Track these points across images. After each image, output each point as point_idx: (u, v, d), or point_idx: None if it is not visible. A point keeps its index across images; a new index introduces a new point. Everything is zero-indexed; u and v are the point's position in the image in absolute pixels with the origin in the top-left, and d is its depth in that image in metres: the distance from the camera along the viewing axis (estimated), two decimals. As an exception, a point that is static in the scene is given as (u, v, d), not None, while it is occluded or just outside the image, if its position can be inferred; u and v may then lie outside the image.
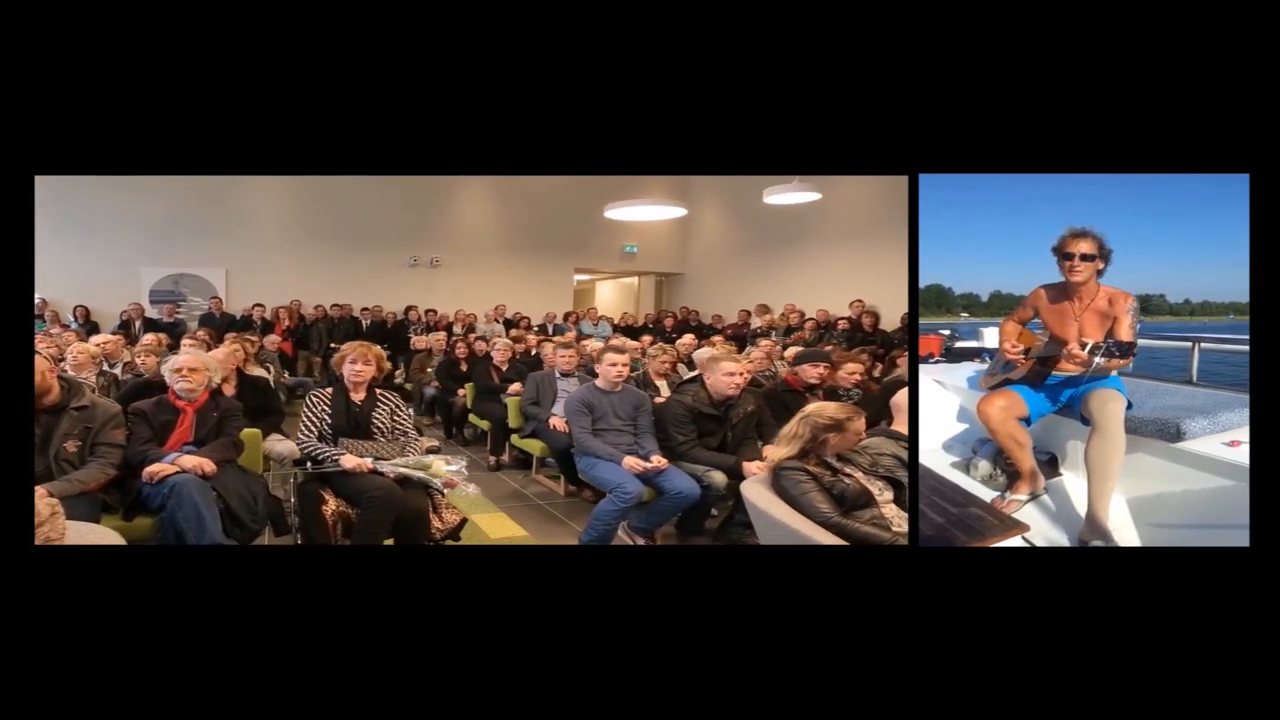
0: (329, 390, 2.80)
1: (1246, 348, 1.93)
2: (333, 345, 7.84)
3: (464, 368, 5.59)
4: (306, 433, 2.68)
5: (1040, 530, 2.27)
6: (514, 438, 4.37)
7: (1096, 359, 2.12)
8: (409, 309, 8.60)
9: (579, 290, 13.32)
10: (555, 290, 9.98)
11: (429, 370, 6.11)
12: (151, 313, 7.83)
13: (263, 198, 8.70)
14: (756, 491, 2.11)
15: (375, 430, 2.70)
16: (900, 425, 2.32)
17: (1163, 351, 3.57)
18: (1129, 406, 2.29)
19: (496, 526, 3.48)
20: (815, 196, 7.19)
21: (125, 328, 7.09)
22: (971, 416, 2.90)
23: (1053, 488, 2.52)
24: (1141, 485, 2.37)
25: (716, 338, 6.48)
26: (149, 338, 4.74)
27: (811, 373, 3.37)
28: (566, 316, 8.97)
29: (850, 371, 3.42)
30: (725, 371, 3.03)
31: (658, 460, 2.95)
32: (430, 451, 2.82)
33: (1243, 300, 1.90)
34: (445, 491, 2.58)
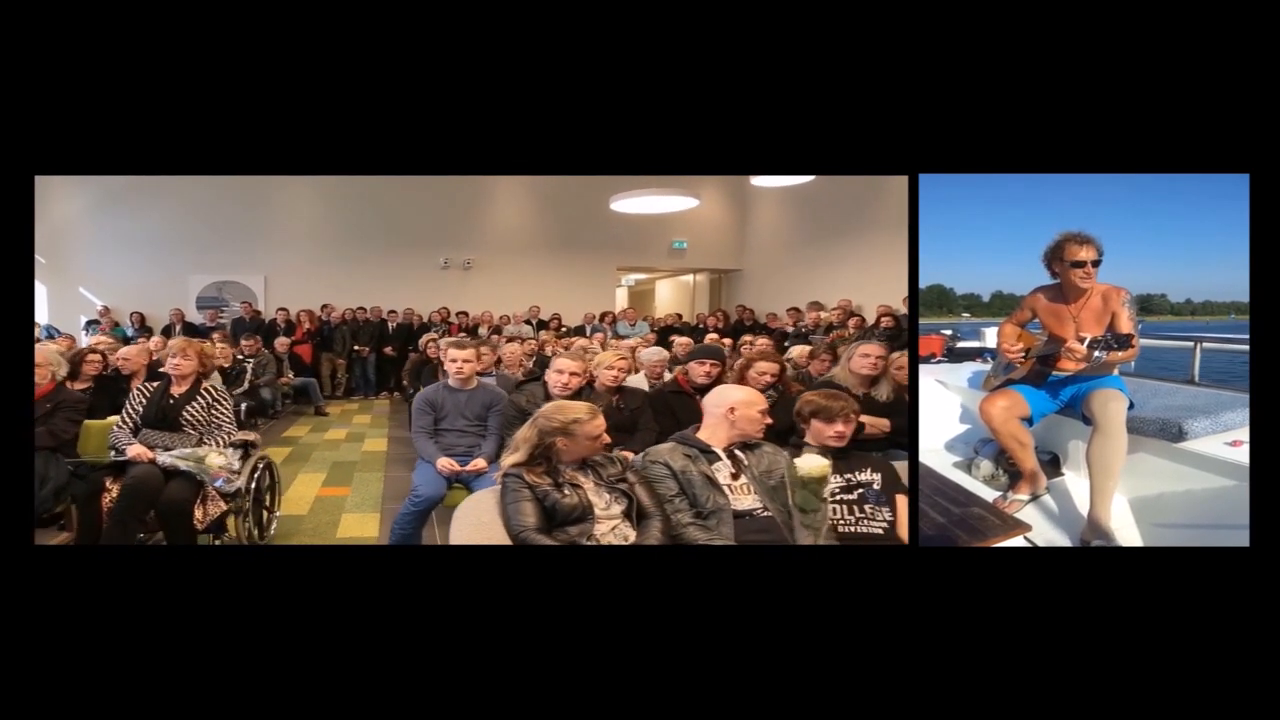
0: (154, 384, 2.89)
1: (1247, 347, 1.93)
2: (356, 348, 8.11)
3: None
4: (121, 424, 2.77)
5: (1042, 530, 2.27)
6: None
7: (1096, 353, 2.12)
8: (434, 311, 8.73)
9: (639, 291, 13.17)
10: (597, 290, 9.85)
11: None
12: (194, 317, 8.38)
13: (299, 206, 9.03)
14: (467, 507, 1.98)
15: (185, 423, 2.77)
16: (705, 433, 2.11)
17: (1164, 351, 3.57)
18: (1131, 406, 2.28)
19: (354, 527, 3.45)
20: (806, 179, 7.04)
21: (167, 331, 7.60)
22: (973, 416, 2.90)
23: (1054, 488, 2.52)
24: (1143, 485, 2.37)
25: (748, 335, 6.38)
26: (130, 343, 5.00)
27: (698, 371, 2.99)
28: (602, 317, 8.84)
29: (761, 372, 2.96)
30: (555, 369, 2.80)
31: (475, 462, 2.73)
32: (246, 445, 2.92)
33: (1244, 300, 1.90)
34: (218, 484, 2.63)
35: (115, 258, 8.59)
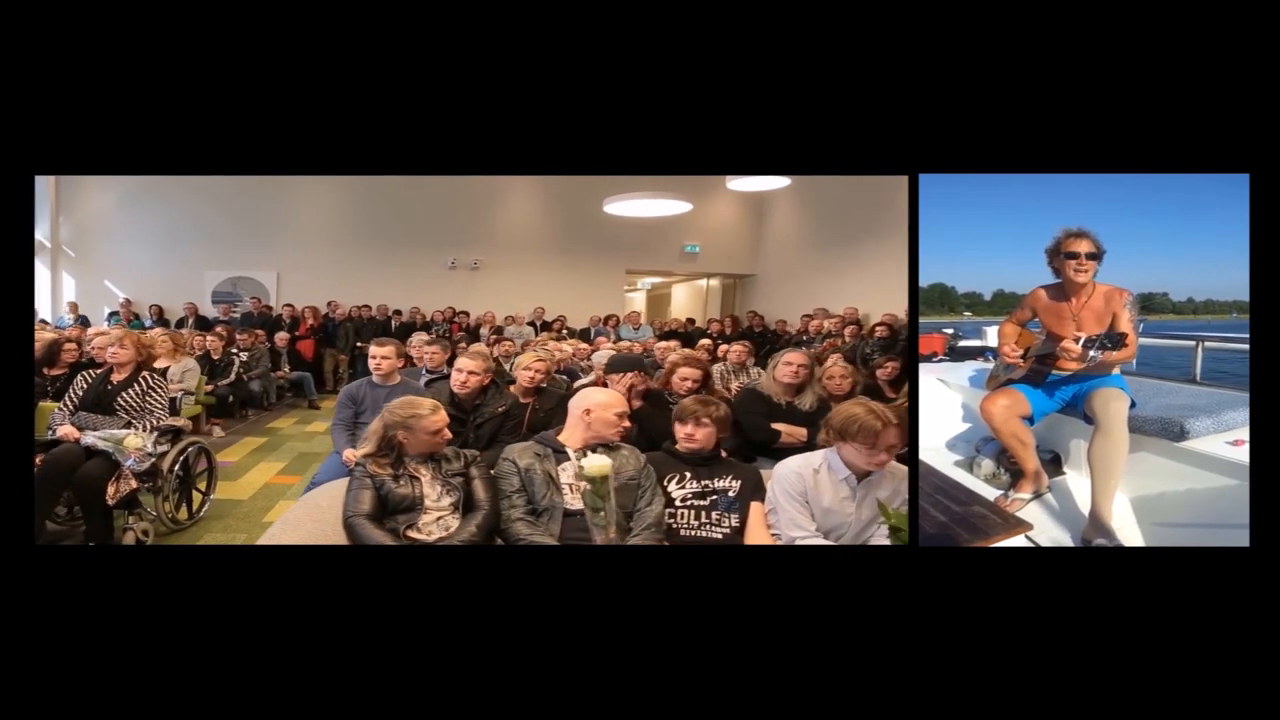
0: (98, 370, 3.12)
1: (1248, 346, 1.93)
2: (359, 345, 8.20)
3: None
4: (63, 407, 2.97)
5: (1043, 529, 2.26)
6: None
7: (1092, 352, 2.13)
8: (437, 311, 8.81)
9: (657, 294, 13.15)
10: (605, 292, 9.79)
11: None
12: (209, 311, 8.68)
13: (312, 204, 9.17)
14: (315, 491, 2.07)
15: (120, 407, 3.00)
16: (564, 434, 2.14)
17: (1166, 350, 3.57)
18: (1132, 405, 2.28)
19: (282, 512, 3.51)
20: (784, 182, 7.05)
21: (181, 324, 7.97)
22: (975, 415, 2.90)
23: (1056, 487, 2.52)
24: (1145, 484, 2.37)
25: (737, 342, 6.39)
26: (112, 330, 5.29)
27: (620, 383, 2.96)
28: (606, 320, 8.91)
29: (684, 378, 2.97)
30: (455, 368, 2.87)
31: None
32: (172, 431, 3.17)
33: (1245, 299, 1.90)
34: (129, 464, 2.81)
35: (138, 251, 8.84)
